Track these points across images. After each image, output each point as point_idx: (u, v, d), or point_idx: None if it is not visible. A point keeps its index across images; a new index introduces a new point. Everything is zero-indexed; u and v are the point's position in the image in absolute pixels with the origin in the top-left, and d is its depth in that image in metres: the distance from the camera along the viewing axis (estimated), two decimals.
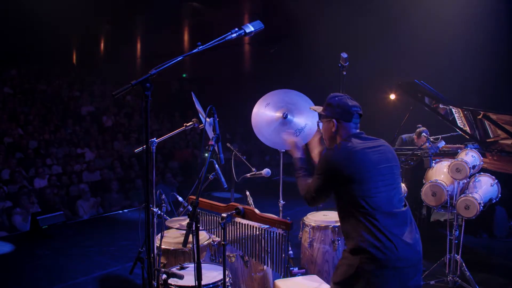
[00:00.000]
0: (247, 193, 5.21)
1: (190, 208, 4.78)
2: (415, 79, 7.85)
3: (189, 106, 17.36)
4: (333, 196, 3.27)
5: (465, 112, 8.00)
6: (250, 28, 3.23)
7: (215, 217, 3.94)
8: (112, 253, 7.28)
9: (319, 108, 3.51)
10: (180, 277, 3.51)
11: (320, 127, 3.51)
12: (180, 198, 4.93)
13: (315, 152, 3.75)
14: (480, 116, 7.83)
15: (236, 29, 3.22)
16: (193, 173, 12.47)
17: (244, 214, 3.32)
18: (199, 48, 3.21)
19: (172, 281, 3.58)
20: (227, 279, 3.77)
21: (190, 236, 3.00)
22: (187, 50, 21.30)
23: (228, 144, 5.58)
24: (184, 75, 20.34)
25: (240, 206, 3.32)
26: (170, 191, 11.10)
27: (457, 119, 8.15)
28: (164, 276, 3.57)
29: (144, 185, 11.12)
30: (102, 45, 24.50)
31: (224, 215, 3.21)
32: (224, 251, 3.30)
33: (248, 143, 15.01)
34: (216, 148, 3.27)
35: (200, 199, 3.24)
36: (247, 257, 4.53)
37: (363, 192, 3.07)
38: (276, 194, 5.43)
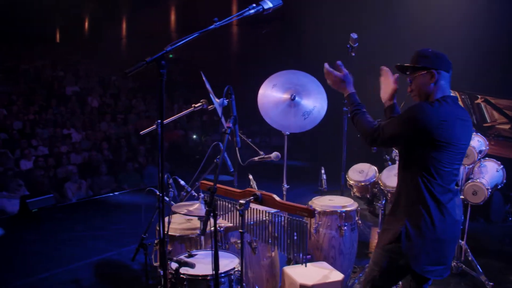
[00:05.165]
0: (250, 176, 5.06)
1: (193, 193, 4.65)
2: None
3: (176, 87, 17.10)
4: (401, 148, 3.18)
5: (463, 96, 7.92)
6: (268, 4, 3.07)
7: (223, 202, 3.79)
8: (106, 238, 7.10)
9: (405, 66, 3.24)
10: (192, 266, 3.37)
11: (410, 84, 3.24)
12: (182, 182, 4.75)
13: (386, 89, 3.50)
14: (478, 100, 7.76)
15: (254, 5, 3.06)
16: (183, 155, 12.29)
17: (262, 201, 3.17)
18: (216, 24, 3.02)
19: (182, 270, 3.43)
20: (238, 267, 3.63)
21: (185, 222, 2.84)
22: (173, 29, 20.93)
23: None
24: (170, 56, 20.03)
25: (258, 192, 3.17)
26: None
27: None
28: (175, 265, 3.41)
29: (134, 167, 10.94)
30: (86, 24, 23.98)
31: (242, 201, 3.05)
32: (242, 239, 3.16)
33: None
34: (233, 130, 3.09)
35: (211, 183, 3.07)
36: (255, 244, 4.38)
37: (438, 161, 2.98)
38: (279, 178, 5.29)
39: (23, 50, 20.15)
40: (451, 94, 3.14)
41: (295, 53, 12.97)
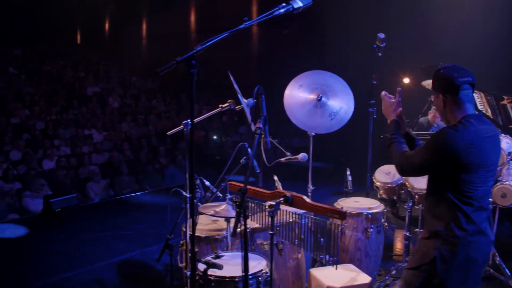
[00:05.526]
0: (275, 177, 5.01)
1: (218, 193, 4.62)
2: (440, 62, 7.60)
3: (198, 88, 17.08)
4: (430, 173, 3.10)
5: (488, 97, 7.79)
6: (298, 3, 3.04)
7: (249, 203, 3.76)
8: (129, 238, 7.10)
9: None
10: (220, 267, 3.34)
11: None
12: (207, 183, 4.72)
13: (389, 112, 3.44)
14: (504, 101, 7.63)
15: (284, 4, 3.04)
16: (203, 156, 12.28)
17: (292, 202, 3.13)
18: (246, 23, 3.00)
19: (210, 271, 3.40)
20: (266, 269, 3.59)
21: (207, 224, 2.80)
22: (193, 30, 20.95)
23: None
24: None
25: (288, 194, 3.13)
26: (181, 173, 10.96)
27: (478, 104, 7.93)
28: (203, 266, 3.39)
29: (155, 168, 10.96)
30: (106, 25, 24.15)
31: (272, 203, 3.01)
32: (272, 241, 3.12)
33: None
34: (263, 131, 3.05)
35: (240, 184, 3.03)
36: (281, 245, 4.34)
37: (470, 182, 2.91)
38: (303, 179, 5.24)
39: (46, 52, 20.36)
40: (476, 113, 3.04)
41: (318, 53, 12.89)
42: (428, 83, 3.07)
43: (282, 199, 3.11)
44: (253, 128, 3.64)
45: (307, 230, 4.04)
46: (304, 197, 3.15)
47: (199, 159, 11.98)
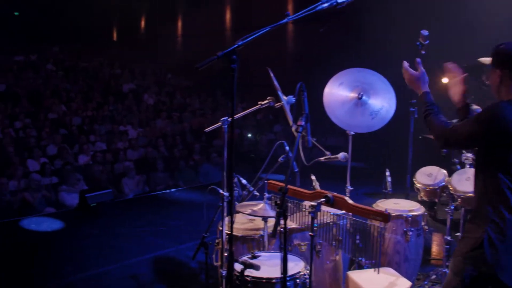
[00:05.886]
0: (313, 177, 4.91)
1: (255, 192, 4.55)
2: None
3: (230, 85, 17.03)
4: (478, 150, 2.99)
5: None
6: None
7: (288, 203, 3.68)
8: (163, 234, 7.09)
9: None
10: (257, 268, 3.27)
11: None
12: (244, 181, 4.65)
13: (455, 90, 3.33)
14: None
15: None
16: (238, 154, 12.24)
17: (333, 203, 3.02)
18: (288, 18, 2.93)
19: (247, 272, 3.32)
20: (303, 271, 3.50)
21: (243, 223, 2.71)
22: (228, 28, 20.93)
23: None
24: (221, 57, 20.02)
25: (329, 194, 3.03)
26: (216, 171, 10.94)
27: None
28: (240, 266, 3.31)
29: (190, 165, 10.96)
30: (142, 22, 24.35)
31: (313, 203, 2.91)
32: (313, 243, 3.03)
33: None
34: (305, 129, 2.96)
35: (280, 184, 2.95)
36: (319, 247, 4.24)
37: None
38: (340, 179, 5.13)
39: (82, 49, 20.66)
40: None
41: (356, 51, 12.67)
42: (486, 60, 2.98)
43: (323, 199, 3.01)
44: (293, 126, 3.56)
45: (346, 232, 3.94)
46: (346, 198, 3.05)
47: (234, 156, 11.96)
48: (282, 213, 2.74)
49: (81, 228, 7.58)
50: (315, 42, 15.36)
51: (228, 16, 21.15)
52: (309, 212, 2.92)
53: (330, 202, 3.05)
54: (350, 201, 3.04)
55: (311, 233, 3.00)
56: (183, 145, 12.29)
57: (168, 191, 9.83)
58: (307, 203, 3.84)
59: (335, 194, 3.06)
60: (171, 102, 16.25)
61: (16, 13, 22.51)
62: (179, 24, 22.93)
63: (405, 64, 3.39)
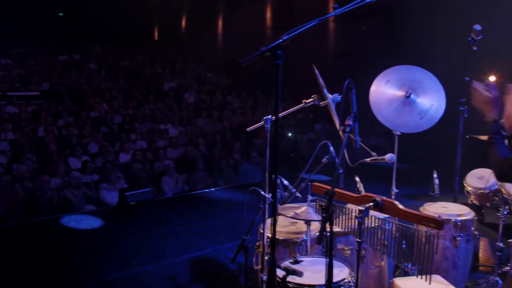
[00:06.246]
0: (357, 178, 4.73)
1: (298, 194, 4.40)
2: None
3: (272, 83, 16.87)
4: None
5: None
6: None
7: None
8: (202, 234, 6.99)
9: None
10: (300, 274, 3.12)
11: None
12: (286, 182, 4.50)
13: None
14: None
15: None
16: (278, 153, 12.08)
17: (382, 208, 2.84)
18: (336, 11, 2.77)
19: (289, 278, 3.18)
20: (348, 278, 3.33)
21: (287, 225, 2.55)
22: (268, 26, 20.79)
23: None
24: (266, 54, 19.88)
25: (378, 198, 2.85)
26: (255, 170, 10.81)
27: None
28: (282, 272, 3.17)
29: (229, 164, 10.86)
30: (183, 21, 24.47)
31: (361, 208, 2.74)
32: (360, 249, 2.86)
33: (332, 124, 14.39)
34: (353, 128, 2.79)
35: (326, 186, 2.79)
36: (363, 252, 4.06)
37: None
38: (385, 180, 4.92)
39: (124, 48, 20.90)
40: None
41: (399, 48, 12.33)
42: None
43: (371, 204, 2.83)
44: (338, 125, 3.40)
45: (391, 236, 3.74)
46: (396, 202, 2.87)
47: (274, 155, 11.80)
48: (328, 218, 2.58)
49: (120, 226, 7.57)
50: (359, 40, 15.07)
51: (268, 14, 21.00)
52: (356, 217, 2.75)
53: (378, 207, 2.86)
54: (401, 206, 2.85)
55: (358, 239, 2.83)
56: (222, 144, 12.21)
57: (207, 190, 9.75)
58: (351, 206, 3.66)
59: (384, 198, 2.88)
60: (211, 101, 16.23)
61: (61, 14, 22.97)
62: (220, 22, 22.92)
63: (476, 84, 3.11)
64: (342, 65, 14.77)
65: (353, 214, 3.52)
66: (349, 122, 2.77)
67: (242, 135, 12.75)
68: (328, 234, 2.71)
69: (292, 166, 11.03)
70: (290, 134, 13.24)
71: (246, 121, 14.47)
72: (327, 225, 2.62)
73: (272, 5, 20.73)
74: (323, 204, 2.62)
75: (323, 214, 2.59)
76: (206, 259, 6.16)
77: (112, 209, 8.53)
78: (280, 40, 2.55)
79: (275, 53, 2.52)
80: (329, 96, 3.42)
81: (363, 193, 4.47)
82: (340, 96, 3.68)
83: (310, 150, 12.38)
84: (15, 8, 19.43)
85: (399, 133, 4.64)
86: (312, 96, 3.99)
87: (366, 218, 3.20)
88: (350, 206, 3.77)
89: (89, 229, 7.42)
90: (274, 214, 2.64)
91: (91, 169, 9.61)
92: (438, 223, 2.66)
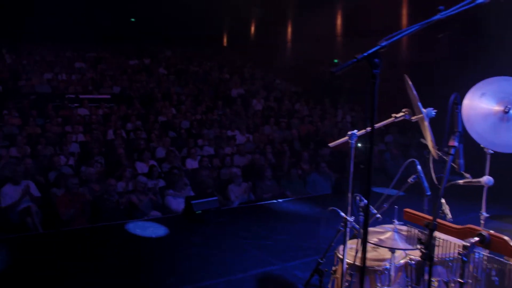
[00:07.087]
0: (443, 200, 4.27)
1: (379, 216, 4.02)
2: None
3: (341, 93, 16.44)
4: None
5: None
6: None
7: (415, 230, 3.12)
8: (269, 248, 6.67)
9: None
10: None
11: None
12: (365, 201, 4.11)
13: None
14: None
15: None
16: (347, 164, 11.62)
17: (489, 244, 2.43)
18: (442, 13, 2.41)
19: None
20: None
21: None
22: (338, 33, 20.33)
23: (423, 140, 4.65)
24: (335, 60, 19.43)
25: (484, 232, 2.44)
26: (323, 181, 10.41)
27: None
28: None
29: (298, 174, 10.50)
30: (252, 27, 24.42)
31: (465, 243, 2.35)
32: None
33: (404, 136, 13.81)
34: (457, 150, 2.40)
35: (421, 214, 2.41)
36: (453, 285, 3.63)
37: None
38: (471, 201, 4.45)
39: (193, 53, 21.05)
40: None
41: (483, 57, 11.61)
42: None
43: (477, 239, 2.43)
44: (433, 144, 3.02)
45: (481, 269, 3.30)
46: (507, 238, 2.44)
47: (343, 167, 11.35)
48: (428, 256, 2.20)
49: (185, 235, 7.38)
50: (435, 49, 14.40)
51: (338, 21, 20.56)
52: (460, 254, 2.36)
53: (485, 243, 2.45)
54: None
55: (461, 280, 2.43)
56: (290, 152, 11.88)
57: (275, 201, 9.42)
58: (440, 234, 3.25)
59: (493, 233, 2.46)
60: (279, 108, 15.96)
61: (132, 19, 23.50)
62: (289, 29, 22.71)
63: None
64: (417, 76, 14.15)
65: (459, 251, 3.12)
66: (453, 143, 2.38)
67: (310, 144, 12.38)
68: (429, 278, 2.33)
69: (363, 178, 10.54)
70: (359, 145, 12.74)
71: (314, 130, 14.10)
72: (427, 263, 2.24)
73: (342, 12, 20.29)
74: (422, 238, 2.25)
75: (423, 251, 2.22)
76: (273, 276, 5.83)
77: (177, 217, 8.37)
78: (378, 47, 2.22)
79: (372, 61, 2.19)
80: (423, 110, 3.04)
81: (449, 216, 4.04)
82: (435, 111, 3.30)
83: (380, 162, 11.83)
84: (90, 14, 19.98)
85: (491, 152, 4.16)
86: (403, 110, 3.61)
87: (444, 243, 2.80)
88: (438, 234, 3.37)
89: (154, 237, 7.26)
90: (364, 243, 2.30)
91: (157, 174, 9.52)
92: None
